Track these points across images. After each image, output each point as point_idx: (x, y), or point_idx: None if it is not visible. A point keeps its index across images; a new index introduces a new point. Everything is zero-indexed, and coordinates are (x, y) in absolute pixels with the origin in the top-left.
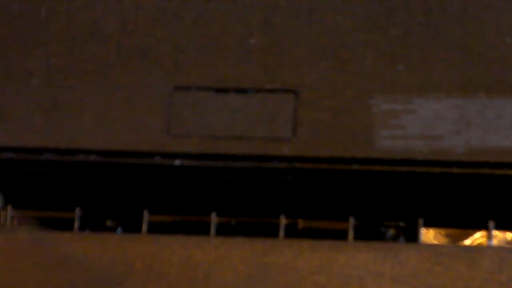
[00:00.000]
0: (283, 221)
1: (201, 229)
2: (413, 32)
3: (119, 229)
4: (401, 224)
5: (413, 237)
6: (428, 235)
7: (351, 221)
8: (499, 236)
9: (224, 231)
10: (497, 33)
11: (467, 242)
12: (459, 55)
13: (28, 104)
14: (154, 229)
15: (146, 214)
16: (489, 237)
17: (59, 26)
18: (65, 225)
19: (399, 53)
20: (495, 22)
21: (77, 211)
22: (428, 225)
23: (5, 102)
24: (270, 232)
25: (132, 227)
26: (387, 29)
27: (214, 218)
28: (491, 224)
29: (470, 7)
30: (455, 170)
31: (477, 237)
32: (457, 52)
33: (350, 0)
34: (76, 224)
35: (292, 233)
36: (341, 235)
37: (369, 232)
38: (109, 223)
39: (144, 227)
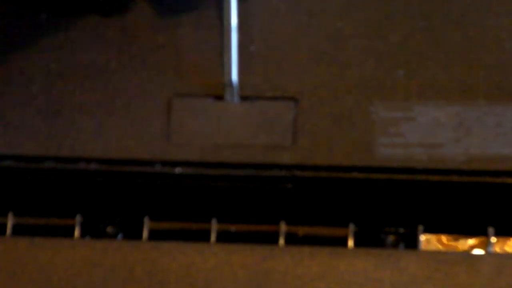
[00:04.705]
0: (283, 228)
1: (202, 236)
2: (413, 38)
3: (119, 236)
4: (401, 230)
5: (413, 243)
6: (431, 241)
7: (351, 227)
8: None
9: (224, 238)
10: (497, 39)
11: (466, 248)
12: (459, 61)
13: (28, 111)
14: (155, 235)
15: (146, 221)
16: (489, 243)
17: (59, 33)
18: (66, 232)
19: (399, 59)
20: (494, 28)
21: (78, 218)
22: (428, 231)
23: (5, 109)
24: (270, 239)
25: (133, 234)
26: (387, 35)
27: (214, 225)
28: (490, 230)
29: (470, 13)
30: (455, 178)
31: (476, 244)
32: (456, 58)
33: (349, 6)
34: (77, 231)
35: (292, 240)
36: (341, 242)
37: (369, 239)
38: (109, 229)
39: (145, 233)
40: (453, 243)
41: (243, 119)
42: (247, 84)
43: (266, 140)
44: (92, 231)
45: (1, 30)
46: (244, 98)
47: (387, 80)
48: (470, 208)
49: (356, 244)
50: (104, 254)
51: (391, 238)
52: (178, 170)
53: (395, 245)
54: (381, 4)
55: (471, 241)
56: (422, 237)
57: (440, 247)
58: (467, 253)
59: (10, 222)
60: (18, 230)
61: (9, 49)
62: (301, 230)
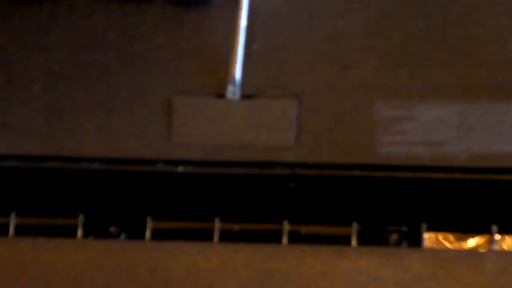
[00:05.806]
0: (286, 227)
1: (205, 235)
2: (415, 38)
3: (122, 236)
4: (404, 229)
5: (416, 242)
6: (435, 239)
7: (354, 226)
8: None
9: (227, 237)
10: (499, 38)
11: (470, 246)
12: (461, 60)
13: (30, 111)
14: (158, 235)
15: (149, 220)
16: (492, 241)
17: (60, 33)
18: (69, 232)
19: (400, 58)
20: (496, 27)
21: (81, 218)
22: (431, 229)
23: (7, 109)
24: (273, 238)
25: (136, 234)
26: (388, 34)
27: (217, 224)
28: (494, 228)
29: (471, 13)
30: (458, 176)
31: (480, 242)
32: (458, 57)
33: (351, 5)
34: (80, 231)
35: (295, 238)
36: (344, 241)
37: (372, 237)
38: (112, 229)
39: (148, 233)
40: (456, 241)
41: (245, 117)
42: (249, 83)
43: (268, 139)
44: (95, 231)
45: (2, 30)
46: (245, 96)
47: (389, 78)
48: (473, 206)
49: (359, 242)
50: (107, 254)
51: (394, 237)
52: (180, 169)
53: (398, 244)
54: (383, 3)
55: (474, 239)
56: (426, 235)
57: (443, 245)
58: (470, 251)
59: (12, 222)
60: (21, 231)
61: (10, 49)
62: (304, 229)
